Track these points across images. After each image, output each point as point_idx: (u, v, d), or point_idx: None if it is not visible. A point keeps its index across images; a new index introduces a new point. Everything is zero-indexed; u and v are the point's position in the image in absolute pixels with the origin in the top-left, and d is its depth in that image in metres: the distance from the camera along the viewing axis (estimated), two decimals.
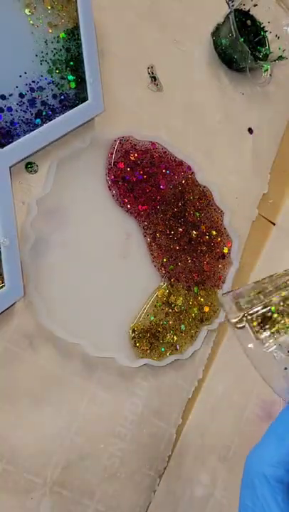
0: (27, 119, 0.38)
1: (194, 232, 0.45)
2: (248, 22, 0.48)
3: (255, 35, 0.49)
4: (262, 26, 0.49)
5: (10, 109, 0.38)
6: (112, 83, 0.44)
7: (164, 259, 0.44)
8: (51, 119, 0.39)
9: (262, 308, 0.30)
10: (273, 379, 0.28)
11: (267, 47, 0.49)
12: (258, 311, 0.30)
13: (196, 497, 0.44)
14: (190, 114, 0.48)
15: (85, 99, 0.40)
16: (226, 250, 0.46)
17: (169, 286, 0.44)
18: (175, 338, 0.44)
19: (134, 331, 0.42)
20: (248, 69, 0.48)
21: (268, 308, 0.30)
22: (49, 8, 0.39)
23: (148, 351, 0.42)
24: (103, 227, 0.42)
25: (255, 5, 0.48)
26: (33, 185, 0.40)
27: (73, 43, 0.40)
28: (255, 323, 0.30)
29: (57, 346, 0.40)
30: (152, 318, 0.43)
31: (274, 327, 0.29)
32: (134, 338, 0.42)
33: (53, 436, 0.40)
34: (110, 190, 0.42)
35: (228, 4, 0.43)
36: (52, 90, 0.39)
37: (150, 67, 0.46)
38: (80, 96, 0.40)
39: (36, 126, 0.38)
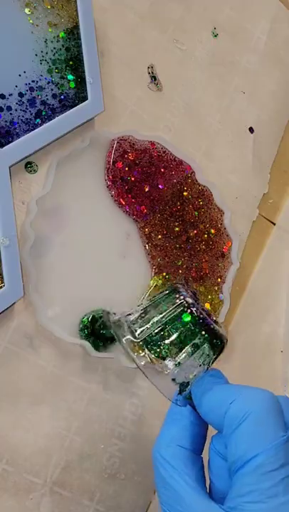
0: (26, 118, 0.38)
1: (193, 231, 0.45)
2: None
3: None
4: None
5: (9, 108, 0.38)
6: (111, 83, 0.44)
7: (159, 259, 0.43)
8: (51, 119, 0.39)
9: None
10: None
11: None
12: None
13: None
14: (190, 114, 0.48)
15: (85, 98, 0.40)
16: (225, 249, 0.46)
17: (165, 282, 0.44)
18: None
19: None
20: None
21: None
22: (49, 7, 0.39)
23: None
24: (103, 227, 0.42)
25: None
26: (33, 184, 0.40)
27: (73, 42, 0.40)
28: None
29: (57, 346, 0.40)
30: None
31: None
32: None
33: (52, 437, 0.39)
34: (109, 190, 0.42)
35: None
36: (52, 90, 0.39)
37: (150, 67, 0.46)
38: (80, 96, 0.40)
39: (36, 125, 0.38)
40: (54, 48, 0.39)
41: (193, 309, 0.33)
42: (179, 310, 0.33)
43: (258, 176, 0.51)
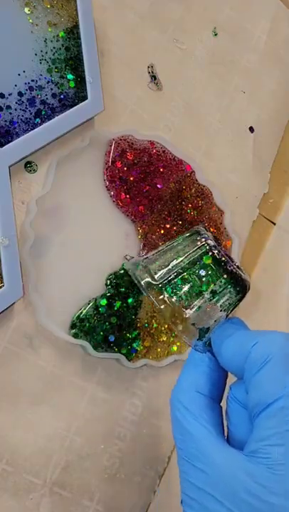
0: (26, 118, 0.38)
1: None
2: None
3: None
4: None
5: (9, 107, 0.38)
6: (111, 82, 0.44)
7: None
8: (50, 118, 0.39)
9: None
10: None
11: None
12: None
13: None
14: (190, 113, 0.48)
15: (85, 98, 0.40)
16: (225, 248, 0.46)
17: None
18: (172, 338, 0.44)
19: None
20: None
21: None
22: (49, 6, 0.39)
23: (147, 351, 0.42)
24: (103, 227, 0.42)
25: None
26: (33, 184, 0.40)
27: (73, 42, 0.40)
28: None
29: (57, 346, 0.40)
30: (150, 310, 0.43)
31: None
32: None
33: (52, 437, 0.39)
34: (108, 190, 0.42)
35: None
36: (51, 89, 0.39)
37: (150, 67, 0.46)
38: (80, 95, 0.40)
39: (36, 125, 0.38)
40: (54, 48, 0.39)
41: (215, 252, 0.31)
42: (200, 252, 0.31)
43: (258, 176, 0.51)
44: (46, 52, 0.39)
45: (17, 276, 0.37)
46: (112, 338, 0.41)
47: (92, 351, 0.40)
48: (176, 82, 0.47)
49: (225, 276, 0.31)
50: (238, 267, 0.32)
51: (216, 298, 0.30)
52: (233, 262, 0.32)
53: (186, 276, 0.31)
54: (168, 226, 0.44)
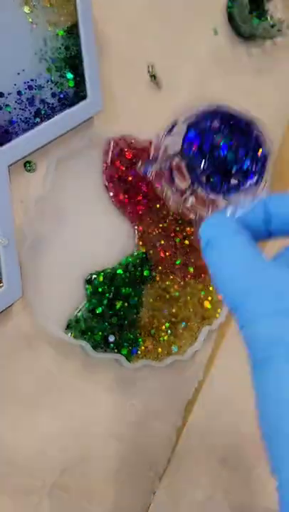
0: (25, 117, 0.38)
1: (190, 229, 0.44)
2: None
3: None
4: None
5: (8, 107, 0.37)
6: (111, 81, 0.43)
7: (160, 268, 0.43)
8: (50, 118, 0.39)
9: None
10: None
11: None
12: None
13: (196, 499, 0.44)
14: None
15: (84, 97, 0.40)
16: None
17: (164, 280, 0.43)
18: (173, 337, 0.43)
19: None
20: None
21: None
22: (48, 5, 0.39)
23: (147, 352, 0.42)
24: (103, 227, 0.42)
25: None
26: (32, 184, 0.40)
27: (72, 41, 0.40)
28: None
29: (56, 347, 0.40)
30: (150, 310, 0.42)
31: None
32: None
33: (52, 438, 0.39)
34: (107, 190, 0.42)
35: None
36: (51, 89, 0.39)
37: (150, 66, 0.46)
38: (79, 94, 0.40)
39: (35, 124, 0.38)
40: (53, 47, 0.39)
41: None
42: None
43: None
44: (46, 52, 0.39)
45: (16, 277, 0.36)
46: (111, 338, 0.40)
47: (92, 352, 0.40)
48: (176, 81, 0.47)
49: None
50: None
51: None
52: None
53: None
54: (166, 226, 0.44)
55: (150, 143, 0.44)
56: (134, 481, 0.42)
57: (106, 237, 0.42)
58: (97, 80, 0.40)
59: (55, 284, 0.40)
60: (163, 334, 0.43)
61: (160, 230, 0.44)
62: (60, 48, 0.39)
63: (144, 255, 0.42)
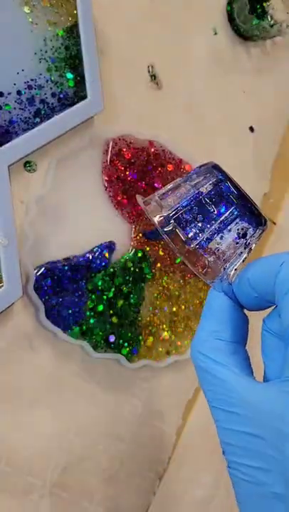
0: (25, 117, 0.38)
1: None
2: None
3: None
4: None
5: (8, 106, 0.37)
6: (111, 81, 0.43)
7: (159, 265, 0.43)
8: (50, 118, 0.38)
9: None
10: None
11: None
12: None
13: (196, 499, 0.44)
14: (190, 113, 0.48)
15: (84, 97, 0.40)
16: None
17: (164, 278, 0.43)
18: (173, 337, 0.43)
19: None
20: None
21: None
22: (48, 5, 0.39)
23: (148, 352, 0.42)
24: (103, 227, 0.42)
25: None
26: (32, 184, 0.40)
27: (72, 40, 0.40)
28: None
29: (56, 347, 0.40)
30: (150, 308, 0.42)
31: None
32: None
33: (52, 438, 0.39)
34: (106, 190, 0.42)
35: None
36: (51, 88, 0.39)
37: (150, 66, 0.46)
38: (79, 94, 0.40)
39: (35, 124, 0.38)
40: (53, 47, 0.39)
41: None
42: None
43: (259, 176, 0.51)
44: (46, 51, 0.39)
45: (16, 276, 0.36)
46: (112, 338, 0.40)
47: (92, 352, 0.40)
48: (176, 82, 0.47)
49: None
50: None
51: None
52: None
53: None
54: None
55: (149, 143, 0.44)
56: (134, 480, 0.42)
57: (106, 237, 0.42)
58: (97, 79, 0.40)
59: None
60: (163, 333, 0.43)
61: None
62: (60, 47, 0.39)
63: (142, 253, 0.42)
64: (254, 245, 0.30)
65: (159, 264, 0.43)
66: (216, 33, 0.50)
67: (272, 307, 0.28)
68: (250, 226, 0.29)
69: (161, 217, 0.29)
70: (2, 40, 0.37)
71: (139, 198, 0.31)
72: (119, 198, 0.42)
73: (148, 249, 0.43)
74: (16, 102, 0.38)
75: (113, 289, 0.41)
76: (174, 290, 0.44)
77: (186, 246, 0.29)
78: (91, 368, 0.41)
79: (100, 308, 0.40)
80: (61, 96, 0.39)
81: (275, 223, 0.52)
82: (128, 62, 0.45)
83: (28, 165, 0.39)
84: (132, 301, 0.42)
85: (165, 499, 0.43)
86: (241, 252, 0.29)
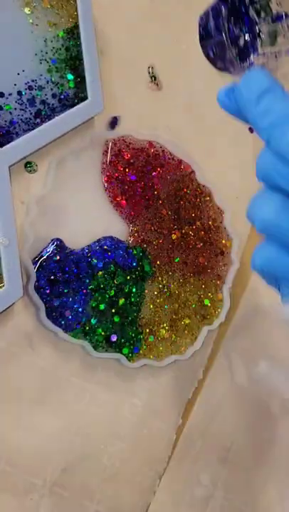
0: (26, 118, 0.38)
1: (189, 227, 0.45)
2: None
3: None
4: None
5: (9, 107, 0.37)
6: (111, 82, 0.44)
7: (158, 262, 0.43)
8: (50, 118, 0.39)
9: None
10: None
11: None
12: None
13: (196, 498, 0.44)
14: (190, 113, 0.48)
15: (85, 98, 0.40)
16: (224, 247, 0.46)
17: (164, 276, 0.43)
18: (174, 336, 0.43)
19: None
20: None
21: None
22: (49, 6, 0.39)
23: (148, 351, 0.42)
24: (103, 227, 0.42)
25: None
26: (33, 184, 0.40)
27: (73, 41, 0.40)
28: None
29: (57, 346, 0.40)
30: (151, 306, 0.43)
31: None
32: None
33: (52, 437, 0.39)
34: (105, 190, 0.42)
35: None
36: (51, 89, 0.39)
37: (150, 67, 0.46)
38: (80, 95, 0.40)
39: (35, 125, 0.38)
40: (54, 48, 0.39)
41: None
42: None
43: None
44: (46, 52, 0.39)
45: (17, 276, 0.37)
46: (114, 338, 0.41)
47: (92, 351, 0.40)
48: (176, 82, 0.47)
49: None
50: None
51: None
52: None
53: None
54: (167, 225, 0.44)
55: (149, 143, 0.44)
56: (135, 480, 0.42)
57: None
58: (98, 80, 0.40)
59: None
60: (164, 332, 0.43)
61: (156, 227, 0.44)
62: (60, 48, 0.39)
63: (142, 250, 0.43)
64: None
65: (158, 262, 0.43)
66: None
67: None
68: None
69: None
70: (3, 40, 0.37)
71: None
72: (118, 199, 0.42)
73: (145, 246, 0.43)
74: (16, 102, 0.38)
75: (114, 288, 0.41)
76: (174, 288, 0.44)
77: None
78: (91, 368, 0.41)
79: (102, 307, 0.40)
80: (62, 97, 0.39)
81: None
82: (128, 63, 0.45)
83: (28, 165, 0.39)
84: (132, 299, 0.42)
85: (165, 499, 0.43)
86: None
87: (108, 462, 0.41)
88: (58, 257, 0.39)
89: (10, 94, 0.38)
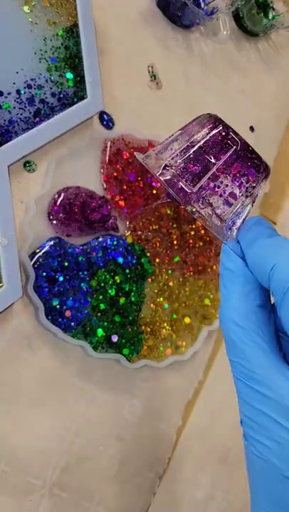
0: (25, 117, 0.38)
1: (188, 227, 0.44)
2: None
3: None
4: None
5: (7, 105, 0.37)
6: (111, 81, 0.43)
7: (157, 260, 0.43)
8: (50, 118, 0.38)
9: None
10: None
11: None
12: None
13: (196, 499, 0.44)
14: (190, 113, 0.47)
15: (84, 97, 0.40)
16: None
17: (164, 275, 0.43)
18: (174, 335, 0.43)
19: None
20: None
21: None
22: (48, 5, 0.39)
23: (148, 351, 0.42)
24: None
25: None
26: (32, 184, 0.40)
27: (72, 40, 0.40)
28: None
29: (56, 347, 0.40)
30: (151, 305, 0.42)
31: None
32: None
33: (52, 438, 0.39)
34: (104, 190, 0.42)
35: None
36: (51, 88, 0.39)
37: (150, 66, 0.46)
38: (79, 94, 0.40)
39: (35, 124, 0.38)
40: (53, 47, 0.39)
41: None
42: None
43: None
44: (46, 51, 0.39)
45: (16, 276, 0.36)
46: (114, 338, 0.40)
47: (92, 352, 0.40)
48: (176, 81, 0.47)
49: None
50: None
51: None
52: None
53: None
54: (164, 224, 0.44)
55: (149, 143, 0.44)
56: (134, 481, 0.42)
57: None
58: (97, 79, 0.40)
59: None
60: (164, 331, 0.43)
61: (156, 227, 0.44)
62: (60, 47, 0.39)
63: (141, 248, 0.42)
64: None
65: (158, 260, 0.43)
66: (215, 34, 0.50)
67: None
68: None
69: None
70: (2, 39, 0.37)
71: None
72: (117, 199, 0.42)
73: (144, 244, 0.43)
74: (15, 101, 0.38)
75: (115, 287, 0.41)
76: (174, 287, 0.44)
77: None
78: (91, 368, 0.41)
79: (103, 306, 0.40)
80: (61, 96, 0.39)
81: (275, 223, 0.52)
82: (128, 62, 0.45)
83: (27, 165, 0.39)
84: (133, 299, 0.42)
85: (165, 499, 0.43)
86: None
87: (108, 463, 0.41)
88: (57, 254, 0.39)
89: (9, 93, 0.37)
